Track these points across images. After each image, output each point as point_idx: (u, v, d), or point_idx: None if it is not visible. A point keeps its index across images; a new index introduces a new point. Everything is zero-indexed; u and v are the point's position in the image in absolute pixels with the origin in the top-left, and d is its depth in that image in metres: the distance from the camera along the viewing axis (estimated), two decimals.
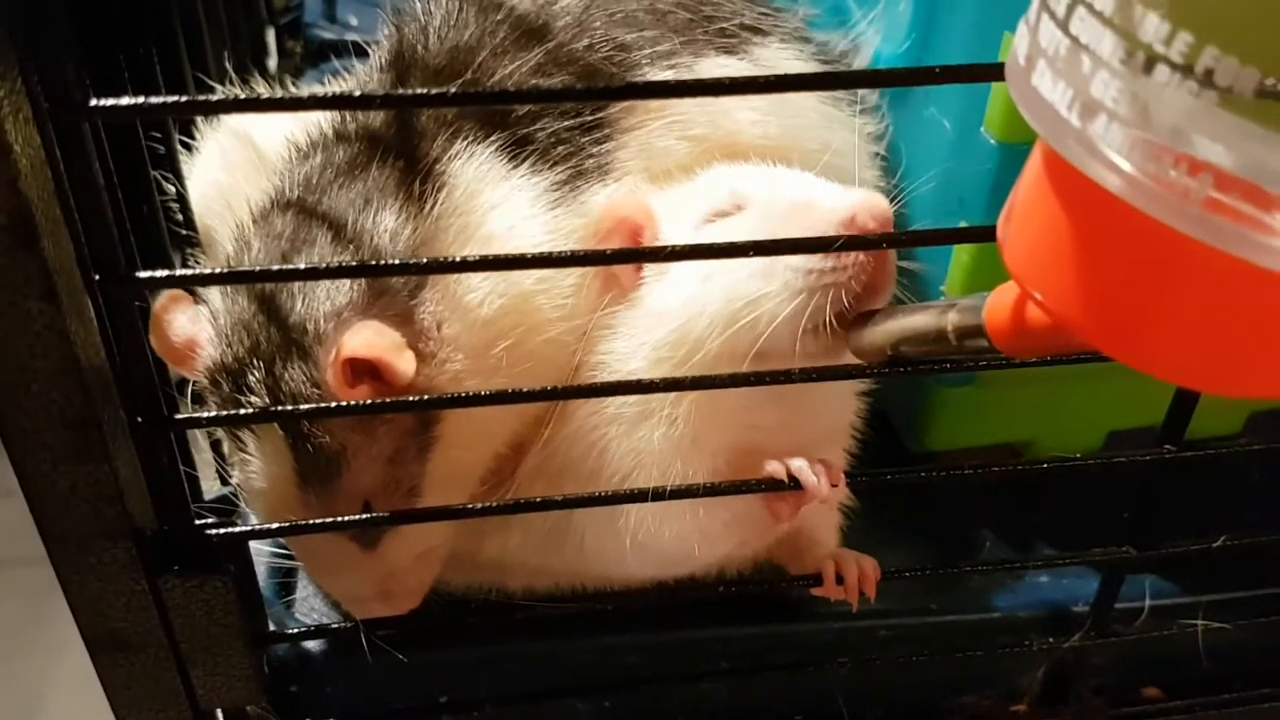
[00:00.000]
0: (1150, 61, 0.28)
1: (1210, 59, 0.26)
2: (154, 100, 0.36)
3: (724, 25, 0.62)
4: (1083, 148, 0.29)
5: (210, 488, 0.60)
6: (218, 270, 0.46)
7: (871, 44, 0.68)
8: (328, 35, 1.12)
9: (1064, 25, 0.30)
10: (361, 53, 0.63)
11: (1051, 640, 0.61)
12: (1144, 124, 0.28)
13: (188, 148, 0.65)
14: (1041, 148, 0.33)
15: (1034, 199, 0.33)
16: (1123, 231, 0.30)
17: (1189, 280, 0.30)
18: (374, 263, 0.49)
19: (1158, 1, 0.27)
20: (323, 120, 0.57)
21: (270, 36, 1.09)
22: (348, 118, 0.56)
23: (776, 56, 0.64)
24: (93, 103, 0.37)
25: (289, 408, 0.48)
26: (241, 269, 0.50)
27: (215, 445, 0.60)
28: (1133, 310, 0.31)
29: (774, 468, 0.54)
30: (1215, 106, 0.27)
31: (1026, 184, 0.34)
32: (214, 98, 0.39)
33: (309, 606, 0.62)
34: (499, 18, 0.58)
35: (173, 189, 0.59)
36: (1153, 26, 0.27)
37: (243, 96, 0.36)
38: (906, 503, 0.66)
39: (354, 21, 1.15)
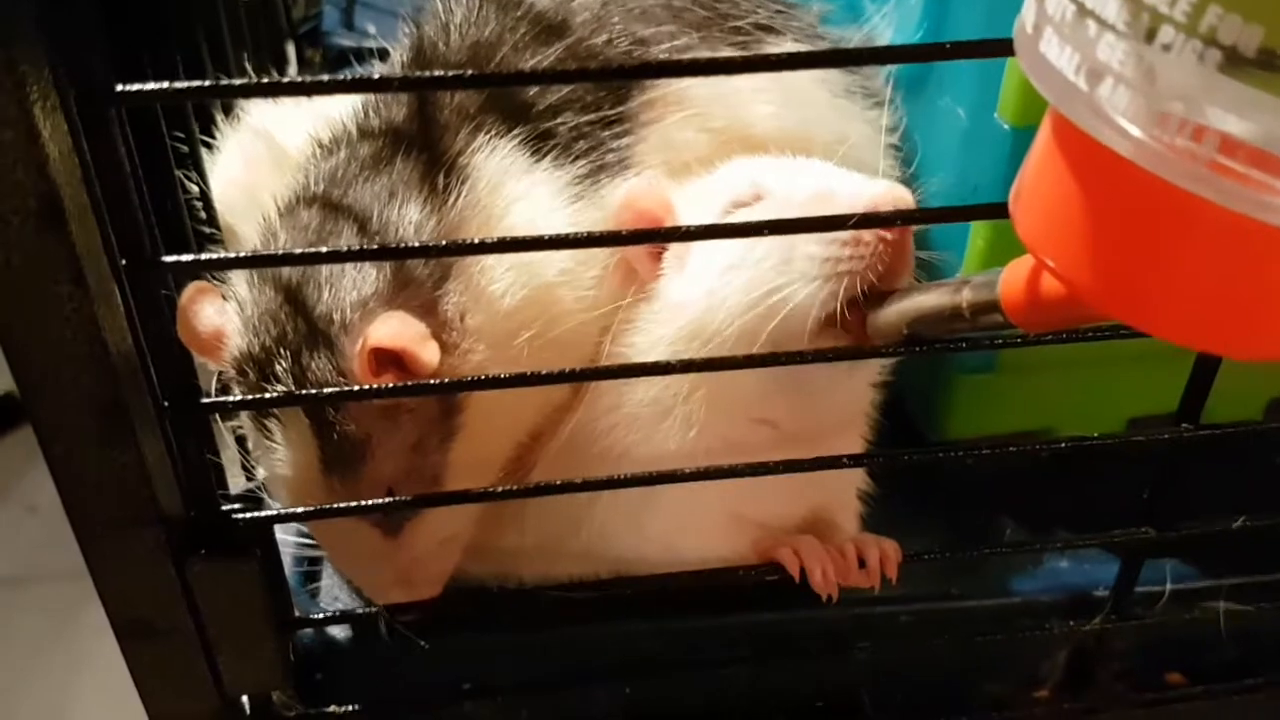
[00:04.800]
0: (1154, 26, 0.28)
1: (1214, 18, 0.27)
2: (178, 85, 0.37)
3: (738, 23, 0.63)
4: (1091, 112, 0.30)
5: (236, 483, 0.61)
6: (241, 254, 0.46)
7: (885, 37, 0.69)
8: (346, 43, 1.13)
9: None
10: (381, 58, 0.64)
11: (1072, 624, 0.61)
12: (1149, 87, 0.28)
13: (209, 147, 0.66)
14: (1051, 116, 0.34)
15: (1045, 167, 0.34)
16: (1132, 194, 0.30)
17: (1200, 241, 0.30)
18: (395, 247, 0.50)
19: None
20: (345, 117, 0.58)
21: (290, 46, 1.10)
22: (370, 113, 0.57)
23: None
24: (119, 88, 0.37)
25: (311, 391, 0.49)
26: (264, 252, 0.51)
27: (240, 440, 0.60)
28: (1144, 273, 0.31)
29: (786, 557, 0.56)
30: (1218, 73, 0.27)
31: (1037, 154, 0.34)
32: (236, 82, 0.39)
33: (332, 596, 0.63)
34: (519, 14, 0.59)
35: (196, 187, 0.60)
36: None
37: (267, 81, 0.37)
38: (925, 489, 0.66)
39: (372, 29, 1.16)
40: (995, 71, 0.58)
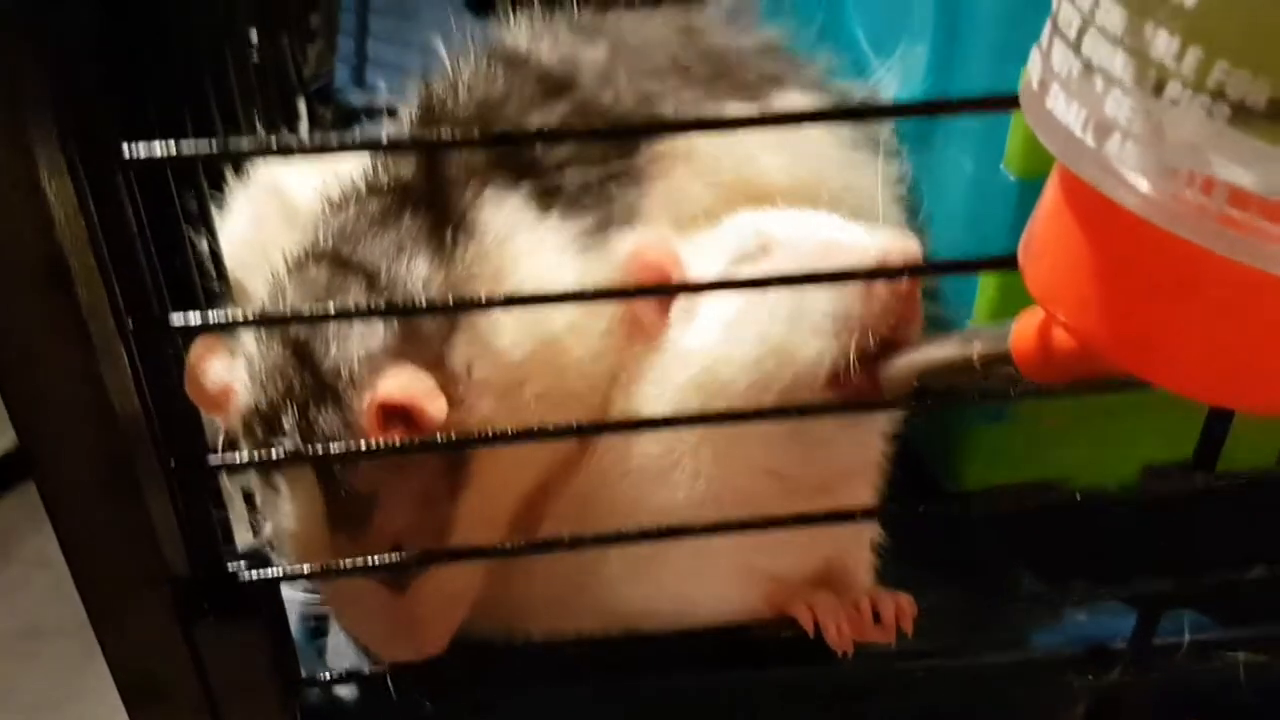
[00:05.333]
0: (1161, 80, 0.28)
1: (1221, 73, 0.27)
2: (185, 147, 0.37)
3: (745, 76, 0.64)
4: (1098, 167, 0.30)
5: (243, 539, 0.61)
6: (249, 314, 0.46)
7: (890, 90, 0.69)
8: (357, 100, 1.13)
9: (1075, 47, 0.31)
10: (392, 115, 0.64)
11: (1091, 677, 0.60)
12: (1158, 142, 0.28)
13: (218, 203, 0.66)
14: (1059, 170, 0.34)
15: (1052, 221, 0.34)
16: (1142, 248, 0.30)
17: (1210, 295, 0.30)
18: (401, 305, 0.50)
19: (1168, 19, 0.27)
20: (354, 174, 0.58)
21: (300, 103, 1.11)
22: (379, 170, 0.57)
23: (796, 104, 0.64)
24: (126, 153, 0.38)
25: (319, 449, 0.49)
26: (271, 310, 0.51)
27: (247, 497, 0.60)
28: (1155, 327, 0.31)
29: (800, 612, 0.56)
30: (1227, 126, 0.27)
31: (1045, 207, 0.34)
32: (243, 144, 0.39)
33: (339, 653, 0.62)
34: (526, 71, 0.59)
35: (205, 243, 0.60)
36: (1163, 43, 0.28)
37: (275, 141, 0.37)
38: (941, 542, 0.65)
39: (382, 86, 1.17)
40: (1001, 123, 0.58)
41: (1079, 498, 0.54)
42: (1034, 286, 0.34)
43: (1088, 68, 0.30)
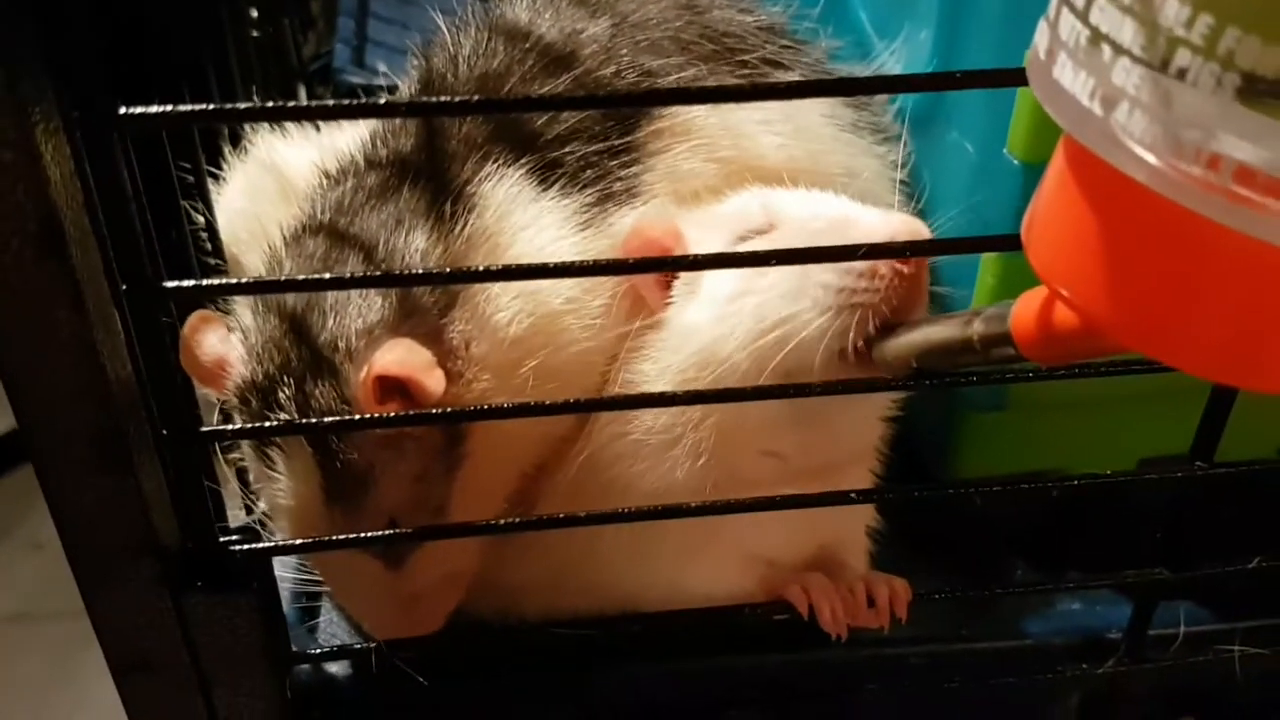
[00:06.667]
0: (1171, 49, 0.28)
1: (1231, 41, 0.26)
2: (181, 109, 0.37)
3: (746, 57, 0.63)
4: (1105, 138, 0.29)
5: (236, 517, 0.60)
6: (244, 280, 0.46)
7: (893, 73, 0.69)
8: (357, 80, 1.13)
9: (1083, 16, 0.30)
10: (392, 95, 0.64)
11: (1085, 667, 0.60)
12: (1165, 112, 0.28)
13: (216, 177, 0.66)
14: (1064, 144, 0.33)
15: (1058, 194, 0.33)
16: (1148, 220, 0.30)
17: (1217, 268, 0.30)
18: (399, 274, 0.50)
19: None
20: (352, 148, 0.58)
21: (300, 85, 1.10)
22: (378, 144, 0.57)
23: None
24: (121, 111, 0.37)
25: (313, 420, 0.48)
26: (266, 278, 0.50)
27: (240, 473, 0.60)
28: (1160, 301, 0.31)
29: (795, 594, 0.56)
30: (1234, 100, 0.27)
31: (1050, 181, 0.34)
32: (240, 105, 0.39)
33: (330, 633, 0.62)
34: (527, 46, 0.59)
35: (201, 217, 0.59)
36: (1173, 11, 0.27)
37: (270, 105, 0.36)
38: (935, 529, 0.65)
39: (382, 68, 1.16)
40: (1005, 106, 0.58)
41: (1076, 483, 0.54)
42: (1037, 262, 0.34)
43: (1095, 36, 0.30)
